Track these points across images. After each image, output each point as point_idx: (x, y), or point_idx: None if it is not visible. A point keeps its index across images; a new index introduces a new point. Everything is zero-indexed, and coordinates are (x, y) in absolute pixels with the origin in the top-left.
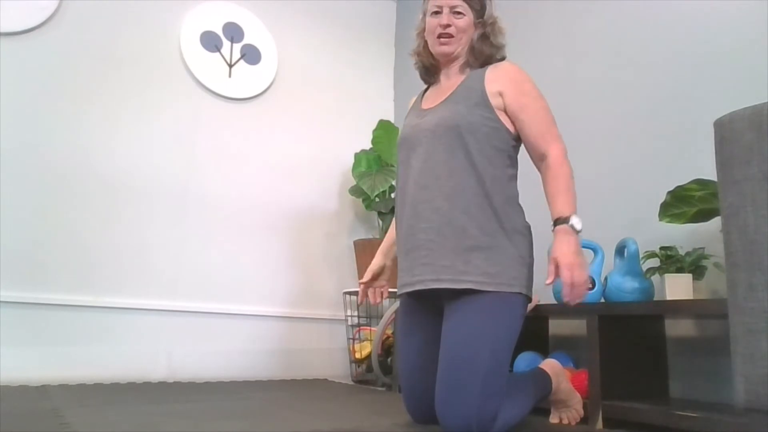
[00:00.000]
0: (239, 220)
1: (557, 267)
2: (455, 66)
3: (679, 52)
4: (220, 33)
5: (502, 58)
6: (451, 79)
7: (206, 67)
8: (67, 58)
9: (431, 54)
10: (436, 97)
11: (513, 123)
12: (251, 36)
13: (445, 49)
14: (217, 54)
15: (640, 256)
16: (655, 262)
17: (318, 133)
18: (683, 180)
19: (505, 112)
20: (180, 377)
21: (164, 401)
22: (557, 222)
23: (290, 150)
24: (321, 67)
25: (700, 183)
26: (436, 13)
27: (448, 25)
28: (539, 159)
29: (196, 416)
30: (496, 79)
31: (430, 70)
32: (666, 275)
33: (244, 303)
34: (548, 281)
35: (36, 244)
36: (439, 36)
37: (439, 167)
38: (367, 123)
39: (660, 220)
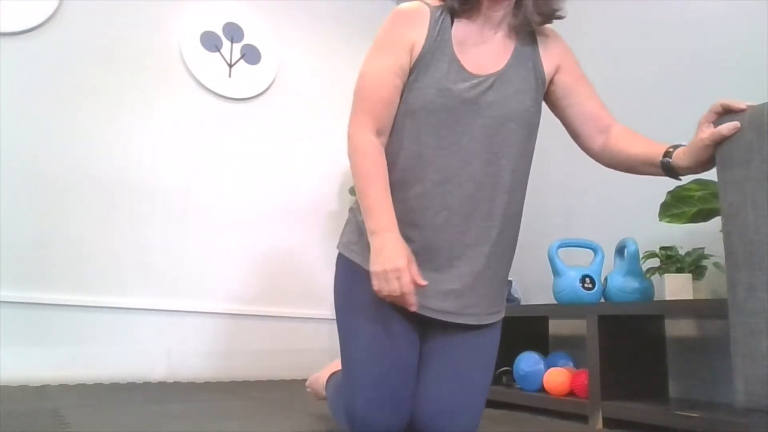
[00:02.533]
0: (240, 220)
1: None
2: (500, 14)
3: (679, 51)
4: (220, 33)
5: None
6: (496, 36)
7: (206, 67)
8: (66, 58)
9: None
10: (481, 57)
11: (553, 102)
12: (251, 36)
13: None
14: (217, 54)
15: (640, 256)
16: (655, 262)
17: (318, 133)
18: (683, 180)
19: (548, 91)
20: (180, 377)
21: (164, 401)
22: (670, 149)
23: (290, 150)
24: (321, 67)
25: (700, 183)
26: None
27: None
28: (601, 131)
29: (195, 416)
30: (552, 55)
31: (465, 6)
32: (666, 275)
33: (245, 303)
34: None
35: (36, 244)
36: None
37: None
38: None
39: (660, 220)
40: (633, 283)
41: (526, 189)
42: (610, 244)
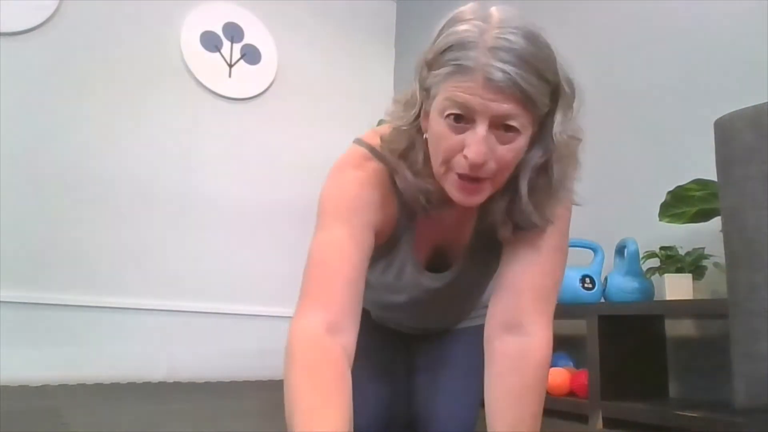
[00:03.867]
0: (240, 220)
1: None
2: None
3: (679, 51)
4: (220, 33)
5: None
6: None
7: (206, 67)
8: (66, 58)
9: (432, 179)
10: (430, 246)
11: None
12: (251, 36)
13: (467, 199)
14: (217, 54)
15: (640, 256)
16: (655, 262)
17: (318, 133)
18: (683, 180)
19: None
20: (180, 377)
21: (164, 401)
22: None
23: (290, 149)
24: (321, 67)
25: (700, 183)
26: (459, 119)
27: (482, 164)
28: (504, 327)
29: (196, 416)
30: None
31: (433, 203)
32: (666, 275)
33: (245, 303)
34: None
35: (35, 245)
36: (461, 176)
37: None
38: (367, 122)
39: (660, 220)
40: (633, 283)
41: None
42: (610, 244)
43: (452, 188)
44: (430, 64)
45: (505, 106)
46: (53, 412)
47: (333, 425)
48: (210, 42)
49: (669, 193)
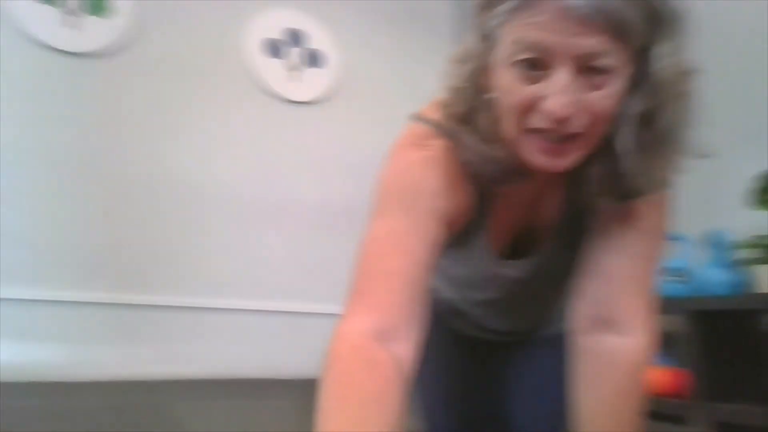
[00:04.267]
0: (314, 222)
1: None
2: (549, 180)
3: None
4: (282, 38)
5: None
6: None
7: (270, 73)
8: (143, 73)
9: (503, 143)
10: (507, 230)
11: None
12: (314, 40)
13: (552, 163)
14: (281, 60)
15: (733, 246)
16: (748, 253)
17: (385, 133)
18: None
19: None
20: (273, 375)
21: (260, 397)
22: None
23: (358, 150)
24: (386, 66)
25: None
26: (533, 64)
27: (567, 118)
28: (595, 324)
29: (286, 412)
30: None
31: (504, 176)
32: (762, 266)
33: (332, 302)
34: None
35: (128, 249)
36: (542, 135)
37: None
38: None
39: (753, 208)
40: (725, 276)
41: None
42: (700, 233)
43: (532, 152)
44: (489, 2)
45: (590, 41)
46: (162, 406)
47: None
48: (272, 48)
49: (759, 178)
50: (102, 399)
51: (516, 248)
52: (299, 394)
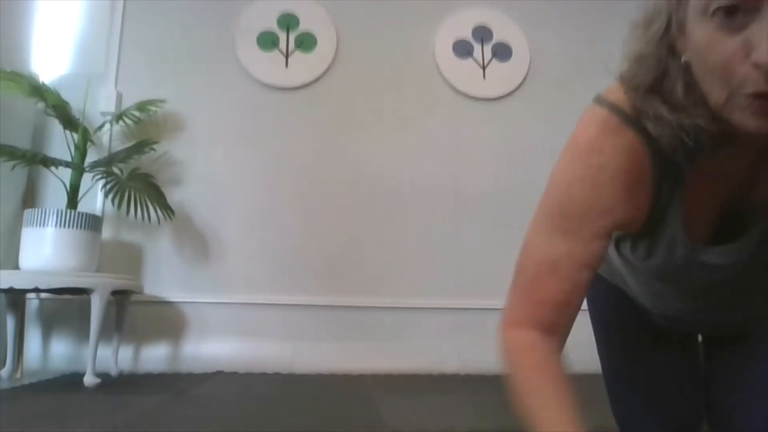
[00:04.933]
0: (510, 218)
1: None
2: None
3: None
4: (470, 38)
5: None
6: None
7: (461, 74)
8: (347, 95)
9: (707, 106)
10: (713, 212)
11: None
12: (500, 34)
13: None
14: (470, 59)
15: None
16: None
17: (573, 123)
18: None
19: None
20: (470, 370)
21: (455, 392)
22: None
23: (551, 144)
24: (574, 54)
25: None
26: (732, 13)
27: None
28: None
29: (483, 408)
30: None
31: (704, 145)
32: None
33: None
34: None
35: (343, 257)
36: (756, 94)
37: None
38: None
39: None
40: None
41: None
42: None
43: (744, 116)
44: None
45: None
46: (366, 398)
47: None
48: (462, 49)
49: None
50: (318, 389)
51: (723, 233)
52: (495, 389)
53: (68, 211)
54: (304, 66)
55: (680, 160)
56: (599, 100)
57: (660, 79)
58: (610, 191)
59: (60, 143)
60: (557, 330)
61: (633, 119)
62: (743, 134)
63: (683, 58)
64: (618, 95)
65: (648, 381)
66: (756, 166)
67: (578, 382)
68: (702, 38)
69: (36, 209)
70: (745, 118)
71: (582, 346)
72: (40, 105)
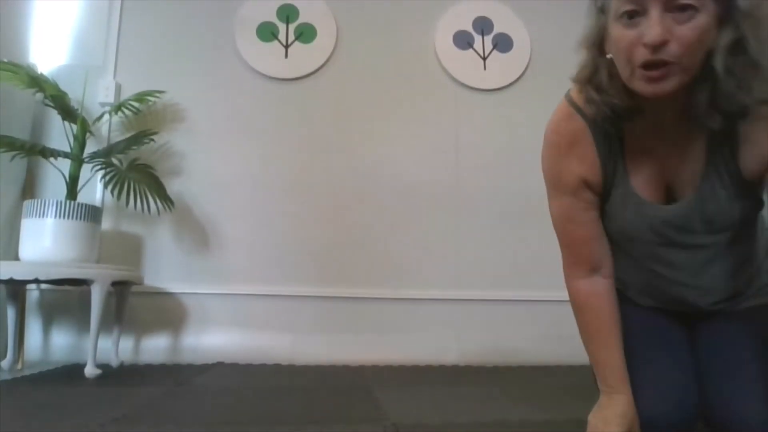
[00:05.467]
0: (511, 211)
1: None
2: (668, 116)
3: None
4: (470, 29)
5: None
6: (674, 142)
7: (462, 65)
8: (346, 86)
9: (624, 88)
10: (656, 176)
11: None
12: (501, 25)
13: (656, 88)
14: (470, 50)
15: None
16: None
17: None
18: None
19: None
20: (470, 361)
21: (455, 384)
22: None
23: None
24: (575, 46)
25: None
26: (632, 15)
27: (663, 44)
28: None
29: (483, 399)
30: (761, 154)
31: (622, 115)
32: None
33: (526, 289)
34: None
35: (342, 249)
36: (645, 66)
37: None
38: None
39: None
40: None
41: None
42: None
43: (640, 84)
44: None
45: None
46: (365, 389)
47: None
48: (462, 40)
49: None
50: (318, 380)
51: (666, 189)
52: (495, 380)
53: (68, 202)
54: (304, 57)
55: (609, 128)
56: (566, 96)
57: (593, 74)
58: (567, 159)
59: (59, 134)
60: (598, 264)
61: (577, 106)
62: (646, 102)
63: (608, 55)
64: (576, 92)
65: (657, 364)
66: (680, 146)
67: (576, 372)
68: (614, 34)
69: (35, 200)
70: (641, 86)
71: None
72: (39, 96)
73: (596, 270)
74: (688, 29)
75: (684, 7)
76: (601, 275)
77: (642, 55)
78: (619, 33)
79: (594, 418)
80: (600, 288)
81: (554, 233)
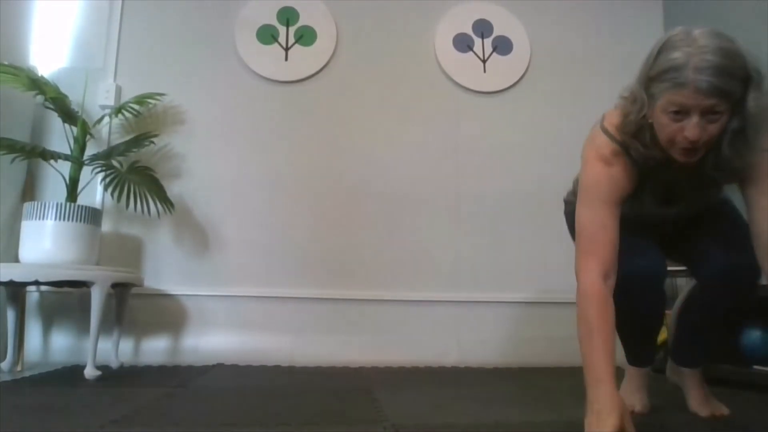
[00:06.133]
0: (510, 213)
1: None
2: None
3: None
4: (470, 32)
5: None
6: (684, 176)
7: (461, 68)
8: (346, 88)
9: (661, 148)
10: (662, 192)
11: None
12: (501, 27)
13: (688, 160)
14: (470, 53)
15: None
16: None
17: (579, 116)
18: None
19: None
20: (469, 363)
21: (455, 385)
22: None
23: (551, 136)
24: (575, 45)
25: None
26: (678, 113)
27: (698, 140)
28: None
29: (483, 400)
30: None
31: (654, 163)
32: None
33: (525, 290)
34: None
35: (342, 250)
36: (684, 150)
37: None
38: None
39: None
40: None
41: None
42: None
43: (678, 155)
44: (653, 78)
45: (709, 102)
46: (366, 390)
47: (610, 351)
48: (462, 43)
49: None
50: (318, 382)
51: (671, 201)
52: (495, 382)
53: (68, 204)
54: (304, 60)
55: (647, 168)
56: (604, 130)
57: (638, 132)
58: (616, 182)
59: (59, 136)
60: (611, 273)
61: (624, 146)
62: (674, 160)
63: (651, 121)
64: (612, 122)
65: (633, 237)
66: (681, 174)
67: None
68: (663, 122)
69: (36, 202)
70: (678, 156)
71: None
72: (39, 98)
73: (609, 273)
74: (715, 128)
75: (714, 112)
76: (611, 279)
77: (683, 143)
78: (666, 122)
79: (588, 419)
80: (608, 290)
81: (554, 234)
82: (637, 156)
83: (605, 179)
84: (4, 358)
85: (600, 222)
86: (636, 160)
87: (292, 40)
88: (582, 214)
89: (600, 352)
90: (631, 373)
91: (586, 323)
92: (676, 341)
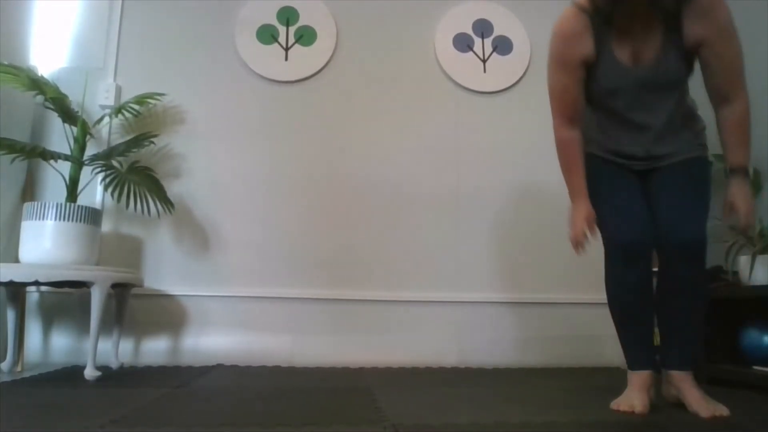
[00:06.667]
0: (511, 213)
1: (733, 208)
2: (641, 7)
3: None
4: (470, 32)
5: None
6: (646, 28)
7: (462, 68)
8: (346, 88)
9: None
10: (635, 52)
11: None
12: (501, 27)
13: None
14: (470, 53)
15: None
16: None
17: None
18: None
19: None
20: (470, 363)
21: (455, 385)
22: (736, 170)
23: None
24: None
25: None
26: None
27: None
28: (718, 104)
29: (483, 401)
30: (694, 32)
31: (612, 5)
32: None
33: (524, 291)
34: (724, 220)
35: (342, 251)
36: None
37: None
38: None
39: None
40: None
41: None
42: None
43: None
44: None
45: None
46: (366, 390)
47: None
48: (462, 43)
49: None
50: (318, 382)
51: (637, 58)
52: (495, 382)
53: (68, 204)
54: (304, 60)
55: (601, 21)
56: (572, 2)
57: None
58: (573, 42)
59: (59, 136)
60: (577, 120)
61: (583, 7)
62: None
63: None
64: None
65: (619, 200)
66: (647, 28)
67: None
68: None
69: (35, 202)
70: None
71: (582, 340)
72: (39, 98)
73: (574, 124)
74: None
75: None
76: (577, 128)
77: None
78: None
79: (571, 213)
80: (575, 135)
81: (554, 234)
82: (591, 8)
83: (570, 45)
84: (4, 358)
85: (563, 86)
86: (596, 18)
87: (292, 39)
88: (550, 80)
89: (577, 177)
90: (633, 378)
91: (566, 161)
92: (662, 343)
